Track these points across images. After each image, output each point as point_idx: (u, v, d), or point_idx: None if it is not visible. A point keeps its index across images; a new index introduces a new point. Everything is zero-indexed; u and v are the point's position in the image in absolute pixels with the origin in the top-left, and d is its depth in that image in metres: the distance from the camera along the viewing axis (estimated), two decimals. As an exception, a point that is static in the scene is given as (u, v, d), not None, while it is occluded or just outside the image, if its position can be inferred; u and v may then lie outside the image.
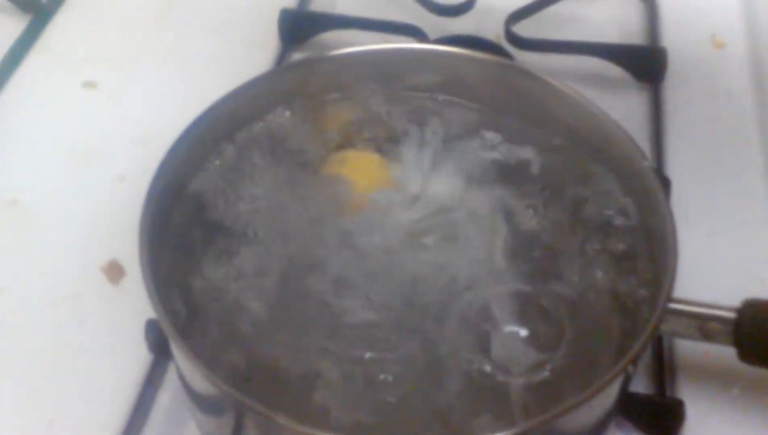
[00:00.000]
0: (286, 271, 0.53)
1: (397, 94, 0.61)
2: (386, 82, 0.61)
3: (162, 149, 0.54)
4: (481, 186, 0.58)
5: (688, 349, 0.56)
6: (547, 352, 0.50)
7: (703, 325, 0.50)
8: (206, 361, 0.45)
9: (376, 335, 0.50)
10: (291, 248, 0.54)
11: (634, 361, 0.47)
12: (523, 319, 0.51)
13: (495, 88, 0.60)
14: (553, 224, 0.56)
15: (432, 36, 0.73)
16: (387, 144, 0.60)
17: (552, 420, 0.44)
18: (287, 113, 0.60)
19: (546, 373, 0.49)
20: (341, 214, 0.56)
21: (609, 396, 0.48)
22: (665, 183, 0.62)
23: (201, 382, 0.47)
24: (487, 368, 0.49)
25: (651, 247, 0.53)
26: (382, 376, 0.49)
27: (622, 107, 0.69)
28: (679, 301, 0.50)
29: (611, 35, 0.78)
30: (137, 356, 0.56)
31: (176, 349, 0.47)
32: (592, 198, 0.56)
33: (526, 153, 0.59)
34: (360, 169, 0.58)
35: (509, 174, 0.58)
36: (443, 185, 0.58)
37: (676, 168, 0.67)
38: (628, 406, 0.51)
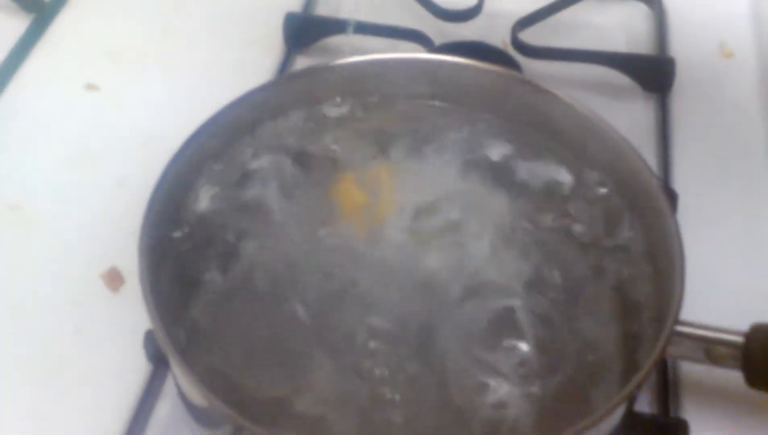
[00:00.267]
0: (287, 285, 0.53)
1: (400, 104, 0.61)
2: (390, 91, 0.61)
3: (165, 153, 0.53)
4: (484, 197, 0.57)
5: (692, 368, 0.56)
6: (549, 370, 0.49)
7: (710, 349, 0.50)
8: (204, 378, 0.45)
9: (378, 351, 0.50)
10: (292, 262, 0.54)
11: (640, 386, 0.46)
12: (524, 335, 0.51)
13: (501, 99, 0.60)
14: (557, 239, 0.55)
15: (438, 42, 0.73)
16: (390, 154, 0.59)
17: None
18: (290, 123, 0.60)
19: (549, 392, 0.49)
20: (343, 227, 0.56)
21: (614, 418, 0.47)
22: (672, 196, 0.62)
23: (200, 400, 0.47)
24: (491, 384, 0.49)
25: (657, 267, 0.52)
26: (388, 396, 0.48)
27: (629, 117, 0.70)
28: (686, 324, 0.49)
29: (619, 43, 0.77)
30: (136, 365, 0.56)
31: (176, 367, 0.47)
32: (599, 213, 0.56)
33: (530, 165, 0.58)
34: (362, 181, 0.58)
35: (513, 186, 0.57)
36: (445, 196, 0.57)
37: (683, 179, 0.67)
38: (632, 425, 0.51)
